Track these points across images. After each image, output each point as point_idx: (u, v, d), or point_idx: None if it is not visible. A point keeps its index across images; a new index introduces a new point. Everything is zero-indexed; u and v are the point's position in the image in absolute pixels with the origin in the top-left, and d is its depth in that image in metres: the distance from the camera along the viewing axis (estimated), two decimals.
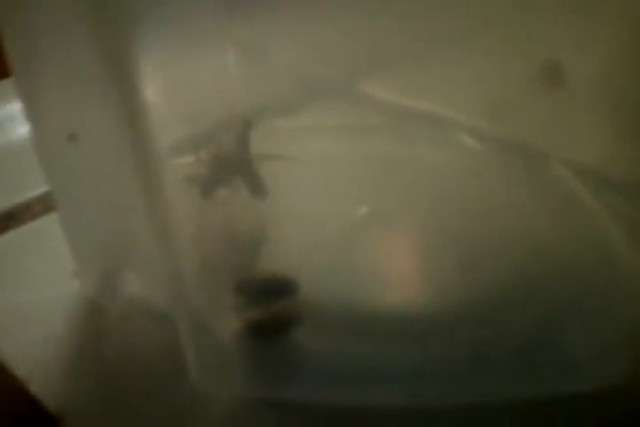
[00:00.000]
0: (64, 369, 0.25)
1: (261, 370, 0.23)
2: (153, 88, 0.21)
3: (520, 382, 0.23)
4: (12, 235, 0.31)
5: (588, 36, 0.21)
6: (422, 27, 0.26)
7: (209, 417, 0.23)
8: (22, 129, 0.38)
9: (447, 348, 0.23)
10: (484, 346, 0.23)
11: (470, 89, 0.27)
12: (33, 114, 0.24)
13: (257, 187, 0.25)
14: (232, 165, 0.25)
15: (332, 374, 0.23)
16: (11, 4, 0.22)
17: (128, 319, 0.26)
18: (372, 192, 0.28)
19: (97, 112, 0.22)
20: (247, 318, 0.24)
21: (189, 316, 0.23)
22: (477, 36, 0.24)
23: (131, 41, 0.20)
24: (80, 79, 0.22)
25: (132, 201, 0.24)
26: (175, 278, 0.23)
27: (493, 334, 0.23)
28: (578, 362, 0.23)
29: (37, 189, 0.33)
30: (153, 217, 0.23)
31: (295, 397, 0.23)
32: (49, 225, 0.32)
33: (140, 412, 0.23)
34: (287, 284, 0.24)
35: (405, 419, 0.22)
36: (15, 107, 0.39)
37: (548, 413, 0.23)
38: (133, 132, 0.21)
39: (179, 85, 0.23)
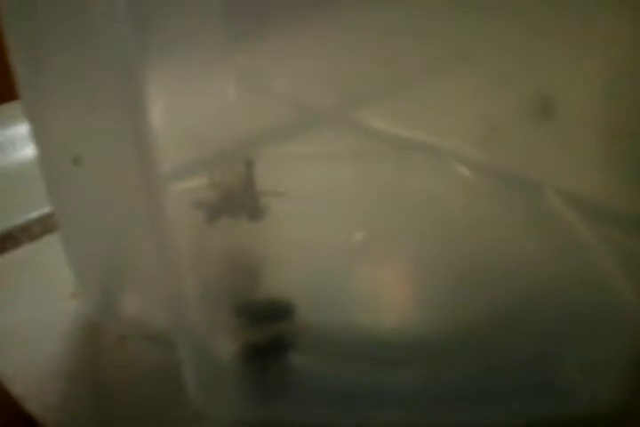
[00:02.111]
0: (61, 388, 0.25)
1: (259, 391, 0.24)
2: (156, 113, 0.22)
3: (514, 407, 0.23)
4: (10, 256, 0.32)
5: (578, 69, 0.22)
6: (419, 57, 0.26)
7: None
8: (24, 152, 0.38)
9: (441, 372, 0.24)
10: (478, 371, 0.24)
11: (465, 119, 0.27)
12: (39, 136, 0.25)
13: (257, 214, 0.26)
14: (237, 197, 0.26)
15: (326, 395, 0.23)
16: (23, 28, 0.23)
17: (126, 340, 0.26)
18: (368, 218, 0.28)
19: (102, 136, 0.23)
20: (245, 341, 0.24)
21: (188, 337, 0.24)
22: (472, 66, 0.25)
23: (139, 66, 0.21)
24: (87, 103, 0.22)
25: (134, 223, 0.24)
26: (175, 300, 0.24)
27: (488, 360, 0.24)
28: (572, 387, 0.23)
29: (37, 211, 0.34)
30: (155, 239, 0.23)
31: (291, 418, 0.23)
32: (47, 246, 0.32)
33: None
34: (284, 307, 0.24)
35: None
36: (17, 130, 0.40)
37: None
38: (139, 155, 0.22)
39: (181, 111, 0.24)
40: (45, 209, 0.34)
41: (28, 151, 0.38)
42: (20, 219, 0.33)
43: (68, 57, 0.23)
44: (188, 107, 0.24)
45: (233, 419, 0.24)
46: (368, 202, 0.29)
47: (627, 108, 0.22)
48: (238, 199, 0.25)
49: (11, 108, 0.42)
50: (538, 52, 0.22)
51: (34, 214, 0.34)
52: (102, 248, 0.26)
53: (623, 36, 0.21)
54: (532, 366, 0.24)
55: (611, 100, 0.22)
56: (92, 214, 0.25)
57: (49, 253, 0.31)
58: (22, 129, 0.40)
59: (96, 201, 0.25)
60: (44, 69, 0.23)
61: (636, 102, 0.21)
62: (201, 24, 0.22)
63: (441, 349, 0.24)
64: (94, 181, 0.24)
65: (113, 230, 0.25)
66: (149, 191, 0.23)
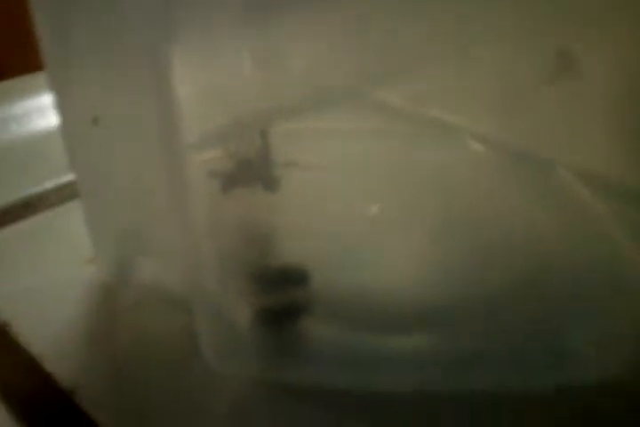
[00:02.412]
0: (77, 349, 0.25)
1: (272, 354, 0.24)
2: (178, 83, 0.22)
3: (523, 374, 0.24)
4: (28, 223, 0.32)
5: (601, 34, 0.22)
6: (434, 33, 0.27)
7: (221, 397, 0.24)
8: (39, 123, 0.39)
9: (453, 339, 0.24)
10: (489, 338, 0.24)
11: (478, 94, 0.28)
12: (60, 97, 0.25)
13: (272, 184, 0.26)
14: (252, 167, 0.26)
15: (337, 359, 0.24)
16: None
17: (142, 304, 0.26)
18: (382, 192, 0.29)
19: (123, 97, 0.23)
20: (259, 306, 0.25)
21: (204, 301, 0.24)
22: (488, 42, 0.25)
23: (165, 33, 0.21)
24: (110, 64, 0.23)
25: (153, 187, 0.25)
26: (193, 266, 0.24)
27: (498, 327, 0.24)
28: (580, 354, 0.24)
29: (53, 180, 0.34)
30: (174, 205, 0.24)
31: (304, 379, 0.23)
32: (64, 214, 0.32)
33: (153, 391, 0.24)
34: (299, 274, 0.25)
35: (411, 407, 0.23)
36: (33, 102, 0.40)
37: (552, 404, 0.23)
38: (162, 121, 0.22)
39: (201, 84, 0.24)
40: (61, 179, 0.34)
41: (44, 123, 0.39)
42: (36, 188, 0.34)
43: (92, 22, 0.23)
44: (206, 79, 0.24)
45: (247, 378, 0.24)
46: (382, 176, 0.29)
47: None
48: (253, 169, 0.26)
49: (25, 80, 0.43)
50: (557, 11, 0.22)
51: (50, 184, 0.34)
52: (121, 213, 0.26)
53: None
54: (543, 336, 0.24)
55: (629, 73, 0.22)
56: (111, 178, 0.25)
57: (65, 221, 0.32)
58: (38, 101, 0.40)
59: (115, 164, 0.25)
60: (68, 34, 0.23)
61: None
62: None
63: (453, 317, 0.24)
64: (113, 144, 0.25)
65: (132, 195, 0.25)
66: (170, 158, 0.23)
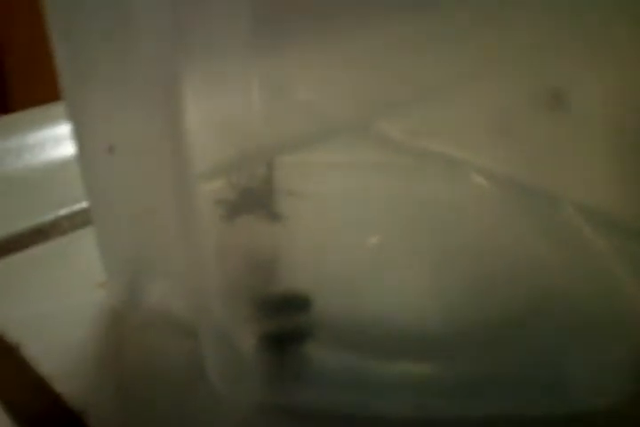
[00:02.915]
0: (86, 371, 0.26)
1: (275, 378, 0.25)
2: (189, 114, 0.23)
3: (523, 401, 0.24)
4: (40, 249, 0.33)
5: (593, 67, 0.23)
6: (437, 72, 0.28)
7: (226, 420, 0.24)
8: (53, 153, 0.40)
9: (453, 365, 0.25)
10: (490, 365, 0.25)
11: (482, 129, 0.28)
12: (77, 126, 0.26)
13: (275, 214, 0.27)
14: (254, 196, 0.27)
15: (340, 383, 0.24)
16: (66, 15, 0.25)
17: (149, 328, 0.27)
18: (384, 224, 0.30)
19: (138, 127, 0.24)
20: (263, 331, 0.25)
21: (210, 326, 0.25)
22: (489, 75, 0.26)
23: (179, 62, 0.22)
24: (126, 94, 0.24)
25: (163, 215, 0.26)
26: (199, 291, 0.25)
27: (499, 355, 0.25)
28: (580, 382, 0.24)
29: (65, 208, 0.35)
30: (182, 232, 0.25)
31: (306, 403, 0.24)
32: (75, 241, 0.33)
33: (160, 412, 0.24)
34: (302, 301, 0.26)
35: None
36: (47, 132, 0.41)
37: None
38: (174, 149, 0.23)
39: (208, 115, 0.25)
40: (74, 207, 0.35)
41: (57, 153, 0.40)
42: (49, 216, 0.35)
43: (109, 54, 0.24)
44: (214, 112, 0.25)
45: (252, 402, 0.25)
46: (384, 208, 0.30)
47: None
48: (255, 198, 0.27)
49: (39, 112, 0.44)
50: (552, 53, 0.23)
51: (63, 211, 0.35)
52: (132, 239, 0.27)
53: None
54: (543, 364, 0.25)
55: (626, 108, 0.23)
56: (124, 206, 0.26)
57: (77, 247, 0.33)
58: (51, 132, 0.41)
59: (128, 193, 0.26)
60: (87, 64, 0.24)
61: None
62: (229, 30, 0.24)
63: (454, 344, 0.25)
64: (127, 173, 0.26)
65: (143, 223, 0.26)
66: (180, 187, 0.24)
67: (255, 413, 0.24)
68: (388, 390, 0.24)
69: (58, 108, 0.43)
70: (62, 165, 0.39)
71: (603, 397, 0.24)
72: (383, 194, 0.31)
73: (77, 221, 0.35)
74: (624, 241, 0.27)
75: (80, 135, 0.26)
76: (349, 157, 0.33)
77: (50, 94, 0.46)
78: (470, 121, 0.28)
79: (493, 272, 0.27)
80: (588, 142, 0.25)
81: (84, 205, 0.35)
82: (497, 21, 0.24)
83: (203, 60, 0.24)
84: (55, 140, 0.41)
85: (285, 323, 0.26)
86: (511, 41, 0.25)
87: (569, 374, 0.25)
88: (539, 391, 0.25)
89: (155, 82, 0.23)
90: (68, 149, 0.40)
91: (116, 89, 0.24)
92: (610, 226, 0.28)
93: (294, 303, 0.26)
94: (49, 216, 0.35)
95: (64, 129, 0.42)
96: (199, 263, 0.25)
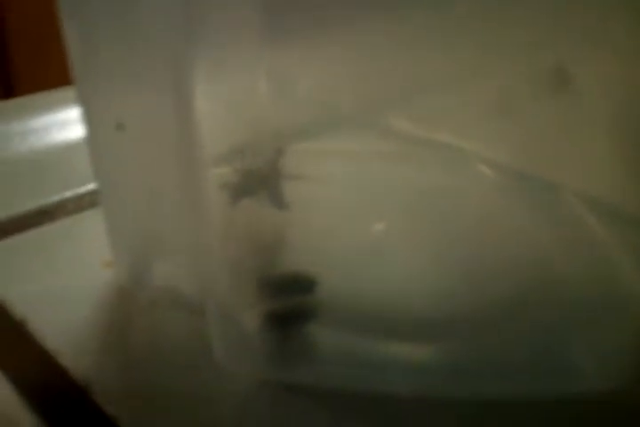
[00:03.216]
0: (92, 347, 0.26)
1: (279, 356, 0.25)
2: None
3: (524, 384, 0.25)
4: (46, 229, 0.33)
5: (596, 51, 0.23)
6: (441, 60, 0.28)
7: (230, 395, 0.24)
8: (59, 136, 0.40)
9: (455, 347, 0.25)
10: (491, 349, 0.25)
11: (485, 118, 0.29)
12: (87, 104, 0.26)
13: (280, 201, 0.27)
14: (260, 180, 0.27)
15: (342, 362, 0.25)
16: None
17: (156, 306, 0.27)
18: (387, 210, 0.30)
19: (147, 106, 0.25)
20: (268, 310, 0.26)
21: (217, 305, 0.25)
22: (491, 63, 0.26)
23: (191, 47, 0.23)
24: (136, 74, 0.24)
25: (170, 195, 0.26)
26: (206, 271, 0.25)
27: (499, 339, 0.25)
28: (582, 365, 0.25)
29: (71, 190, 0.36)
30: (189, 213, 0.25)
31: (308, 380, 0.25)
32: (81, 222, 0.34)
33: (164, 388, 0.25)
34: (306, 281, 0.26)
35: (413, 410, 0.24)
36: (53, 117, 0.42)
37: (552, 413, 0.24)
38: (184, 132, 0.24)
39: (216, 102, 0.25)
40: (79, 189, 0.36)
41: (62, 136, 0.40)
42: (55, 197, 0.35)
43: (120, 36, 0.24)
44: (222, 97, 0.26)
45: (256, 379, 0.25)
46: (388, 196, 0.30)
47: None
48: (260, 181, 0.27)
49: (45, 96, 0.45)
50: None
51: (68, 193, 0.35)
52: (139, 219, 0.27)
53: None
54: (545, 348, 0.25)
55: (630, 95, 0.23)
56: (131, 183, 0.27)
57: (83, 228, 0.33)
58: (56, 116, 0.42)
59: (136, 172, 0.26)
60: (97, 45, 0.25)
61: None
62: (240, 19, 0.24)
63: (456, 326, 0.25)
64: (136, 152, 0.26)
65: (150, 202, 0.27)
66: (190, 170, 0.24)
67: (259, 390, 0.25)
68: (388, 370, 0.25)
69: (63, 93, 0.44)
70: (67, 148, 0.39)
71: (603, 382, 0.25)
72: (387, 182, 0.32)
73: (83, 203, 0.35)
74: (626, 230, 0.27)
75: (89, 112, 0.26)
76: (354, 145, 0.34)
77: (54, 80, 0.47)
78: (473, 110, 0.29)
79: (495, 259, 0.28)
80: (591, 131, 0.26)
81: (89, 187, 0.36)
82: (498, 9, 0.25)
83: (212, 47, 0.24)
84: (60, 124, 0.41)
85: (290, 303, 0.26)
86: (513, 27, 0.25)
87: (569, 359, 0.25)
88: (539, 375, 0.25)
89: (166, 63, 0.23)
90: (72, 132, 0.41)
91: (126, 67, 0.24)
92: (612, 215, 0.28)
93: (299, 284, 0.26)
94: (54, 198, 0.35)
95: (69, 113, 0.42)
96: (206, 244, 0.25)
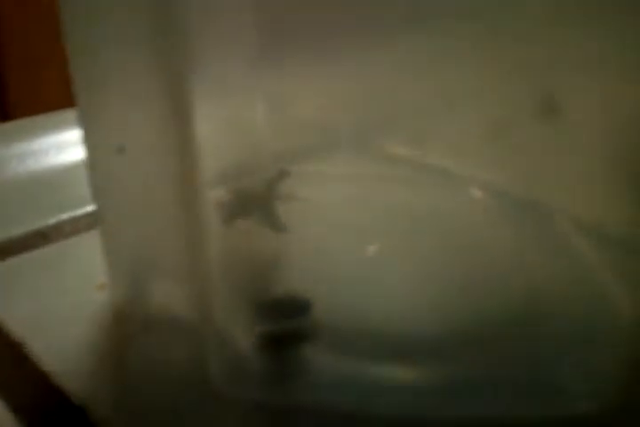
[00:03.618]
0: (89, 368, 0.26)
1: (276, 379, 0.25)
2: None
3: (513, 403, 0.25)
4: (43, 252, 0.33)
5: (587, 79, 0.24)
6: (435, 85, 0.28)
7: (226, 419, 0.25)
8: (57, 159, 0.41)
9: (448, 369, 0.25)
10: (483, 369, 0.25)
11: (479, 142, 0.29)
12: (88, 127, 0.27)
13: (274, 222, 0.28)
14: (255, 200, 0.28)
15: (337, 384, 0.25)
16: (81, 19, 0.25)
17: (151, 327, 0.28)
18: (382, 232, 0.30)
19: (147, 130, 0.25)
20: (264, 333, 0.26)
21: (212, 327, 0.25)
22: (487, 88, 0.27)
23: (190, 69, 0.23)
24: (137, 98, 0.25)
25: (168, 216, 0.26)
26: (201, 294, 0.26)
27: (491, 359, 0.25)
28: (568, 386, 0.25)
29: (68, 213, 0.36)
30: (186, 234, 0.25)
31: (305, 402, 0.25)
32: (77, 244, 0.34)
33: (160, 411, 0.25)
34: (301, 303, 0.26)
35: None
36: (51, 139, 0.42)
37: None
38: (183, 154, 0.24)
39: (213, 126, 0.26)
40: (76, 212, 0.36)
41: (60, 159, 0.41)
42: (52, 219, 0.35)
43: (121, 58, 0.25)
44: (220, 122, 0.26)
45: (251, 402, 0.25)
46: (383, 218, 0.31)
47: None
48: (255, 202, 0.27)
49: (43, 119, 0.45)
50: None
51: (65, 216, 0.36)
52: (137, 239, 0.27)
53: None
54: (533, 367, 0.25)
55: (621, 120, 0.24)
56: (130, 207, 0.27)
57: (79, 250, 0.33)
58: (55, 138, 0.42)
59: (134, 195, 0.27)
60: (99, 66, 0.25)
61: None
62: (235, 43, 0.25)
63: (449, 347, 0.26)
64: (134, 175, 0.26)
65: (149, 222, 0.27)
66: (187, 192, 0.25)
67: (254, 412, 0.25)
68: (385, 391, 0.25)
69: (61, 115, 0.44)
70: (65, 170, 0.40)
71: (592, 400, 0.25)
72: (382, 205, 0.32)
73: (79, 225, 0.35)
74: (615, 252, 0.28)
75: (90, 135, 0.26)
76: (349, 168, 0.34)
77: (49, 103, 0.47)
78: (468, 134, 0.29)
79: (488, 280, 0.28)
80: (583, 155, 0.26)
81: (86, 209, 0.36)
82: (492, 34, 0.25)
83: (211, 69, 0.24)
84: (58, 147, 0.42)
85: (285, 325, 0.26)
86: (509, 54, 0.25)
87: (556, 378, 0.25)
88: (526, 395, 0.25)
89: (165, 85, 0.23)
90: (70, 155, 0.41)
91: (127, 91, 0.25)
92: (602, 237, 0.29)
93: (294, 306, 0.26)
94: (51, 220, 0.35)
95: (67, 136, 0.42)
96: (202, 266, 0.26)
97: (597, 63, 0.23)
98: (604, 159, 0.26)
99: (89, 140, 0.27)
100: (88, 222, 0.35)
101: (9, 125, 0.45)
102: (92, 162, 0.27)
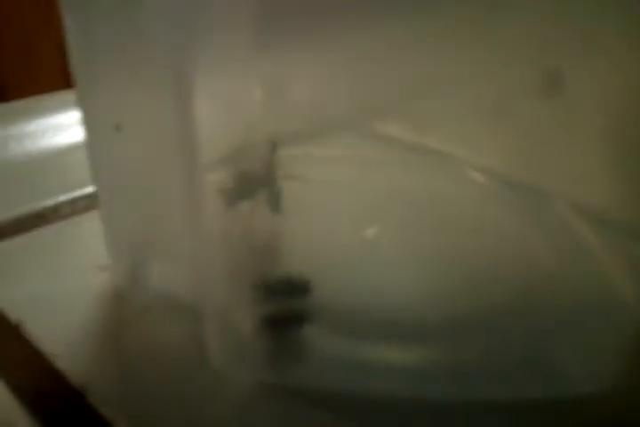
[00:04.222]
0: (89, 351, 0.26)
1: (275, 359, 0.25)
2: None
3: (514, 387, 0.25)
4: (41, 232, 0.33)
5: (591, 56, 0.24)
6: (432, 68, 0.28)
7: (226, 399, 0.25)
8: (55, 140, 0.40)
9: (448, 350, 0.25)
10: (483, 352, 0.25)
11: (478, 125, 0.29)
12: (86, 106, 0.26)
13: (276, 203, 0.27)
14: (256, 182, 0.27)
15: (338, 365, 0.25)
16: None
17: (151, 309, 0.28)
18: (380, 215, 0.30)
19: (146, 108, 0.25)
20: (264, 314, 0.26)
21: (212, 309, 0.25)
22: (485, 70, 0.27)
23: (189, 53, 0.23)
24: (136, 77, 0.24)
25: (168, 199, 0.26)
26: (201, 275, 0.25)
27: (492, 342, 0.25)
28: (570, 370, 0.25)
29: (66, 194, 0.36)
30: (186, 217, 0.25)
31: (304, 383, 0.25)
32: (76, 225, 0.34)
33: (161, 392, 0.25)
34: (301, 285, 0.26)
35: (409, 412, 0.24)
36: (49, 120, 0.42)
37: (542, 415, 0.24)
38: (182, 137, 0.24)
39: (212, 108, 0.25)
40: (75, 193, 0.36)
41: (58, 140, 0.41)
42: (50, 201, 0.35)
43: (121, 40, 0.25)
44: (217, 104, 0.26)
45: (252, 382, 0.25)
46: (381, 201, 0.31)
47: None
48: (256, 183, 0.27)
49: (40, 100, 0.45)
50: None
51: (63, 197, 0.36)
52: (136, 222, 0.27)
53: None
54: (533, 352, 0.25)
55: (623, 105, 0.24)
56: (130, 188, 0.27)
57: (77, 231, 0.33)
58: (52, 120, 0.42)
59: (134, 175, 0.26)
60: (97, 46, 0.25)
61: None
62: (234, 27, 0.24)
63: (448, 330, 0.26)
64: (134, 155, 0.26)
65: (148, 205, 0.27)
66: (188, 176, 0.24)
67: (255, 393, 0.25)
68: (384, 372, 0.25)
69: (58, 97, 0.44)
70: (62, 152, 0.40)
71: (592, 383, 0.25)
72: (381, 187, 0.32)
73: (78, 207, 0.35)
74: (614, 236, 0.28)
75: (89, 114, 0.26)
76: (348, 151, 0.34)
77: (44, 85, 0.47)
78: (467, 118, 0.29)
79: (486, 263, 0.28)
80: (583, 137, 0.26)
81: (84, 190, 0.36)
82: (491, 14, 0.25)
83: (209, 51, 0.24)
84: (55, 129, 0.41)
85: (286, 306, 0.26)
86: (506, 32, 0.25)
87: (558, 363, 0.25)
88: (528, 379, 0.25)
89: (165, 66, 0.23)
90: (67, 136, 0.41)
91: (126, 70, 0.25)
92: (600, 220, 0.29)
93: (294, 287, 0.26)
94: (50, 201, 0.35)
95: (64, 117, 0.42)
96: (202, 247, 0.25)
97: (599, 43, 0.23)
98: (606, 144, 0.26)
99: (87, 119, 0.26)
100: (86, 204, 0.35)
101: (6, 107, 0.45)
102: (91, 141, 0.27)
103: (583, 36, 0.23)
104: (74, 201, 0.35)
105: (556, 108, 0.25)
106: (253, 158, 0.28)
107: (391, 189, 0.32)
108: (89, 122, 0.26)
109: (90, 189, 0.35)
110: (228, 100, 0.26)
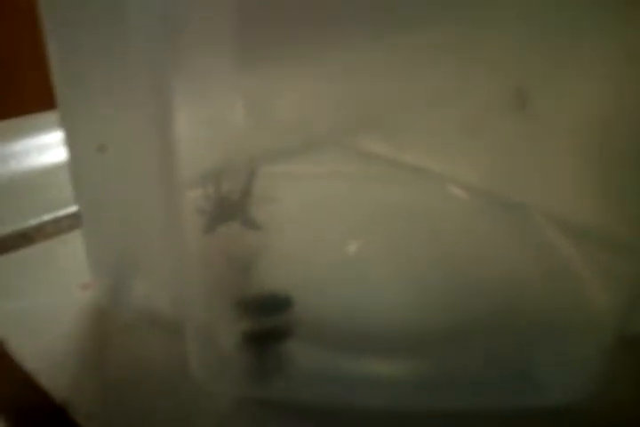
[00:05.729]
0: (71, 367, 0.27)
1: (258, 374, 0.25)
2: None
3: (492, 396, 0.25)
4: (25, 251, 0.34)
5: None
6: (414, 86, 0.29)
7: (209, 414, 0.25)
8: (38, 160, 0.41)
9: (427, 362, 0.26)
10: (462, 362, 0.26)
11: (457, 141, 0.30)
12: (68, 124, 0.27)
13: (254, 224, 0.28)
14: (233, 205, 0.28)
15: (319, 378, 0.25)
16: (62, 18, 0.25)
17: (134, 326, 0.28)
18: (362, 230, 0.31)
19: (127, 130, 0.25)
20: (245, 330, 0.26)
21: (194, 325, 0.25)
22: (464, 87, 0.27)
23: (172, 70, 0.23)
24: (119, 99, 0.25)
25: (149, 217, 0.26)
26: (183, 292, 0.26)
27: (470, 353, 0.26)
28: (546, 379, 0.25)
29: (50, 213, 0.36)
30: (167, 235, 0.25)
31: (286, 397, 0.25)
32: (60, 245, 0.34)
33: (144, 406, 0.25)
34: (282, 300, 0.26)
35: (389, 423, 0.25)
36: (32, 141, 0.42)
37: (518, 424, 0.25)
38: (163, 155, 0.24)
39: (194, 126, 0.26)
40: (58, 212, 0.36)
41: (42, 160, 0.41)
42: (34, 220, 0.36)
43: (104, 61, 0.25)
44: (199, 121, 0.26)
45: (234, 397, 0.25)
46: (363, 216, 0.31)
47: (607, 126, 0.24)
48: (233, 207, 0.28)
49: (25, 121, 0.45)
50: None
51: (47, 217, 0.36)
52: (119, 240, 0.28)
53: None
54: (511, 362, 0.26)
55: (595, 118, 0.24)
56: (112, 207, 0.27)
57: (61, 251, 0.33)
58: (36, 140, 0.42)
59: (116, 194, 0.27)
60: (80, 68, 0.25)
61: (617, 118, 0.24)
62: (217, 44, 0.25)
63: (426, 342, 0.26)
64: (116, 175, 0.26)
65: (130, 224, 0.27)
66: (168, 191, 0.25)
67: (237, 407, 0.25)
68: (365, 385, 0.25)
69: (42, 117, 0.44)
70: (46, 171, 0.40)
71: (566, 395, 0.25)
72: (363, 203, 0.32)
73: (61, 226, 0.35)
74: (591, 247, 0.28)
75: (71, 134, 0.27)
76: (331, 167, 0.34)
77: (29, 106, 0.47)
78: (446, 134, 0.30)
79: (465, 275, 0.29)
80: (554, 151, 0.27)
81: (68, 210, 0.36)
82: (463, 33, 0.26)
83: (191, 71, 0.25)
84: (40, 149, 0.42)
85: (267, 322, 0.26)
86: (478, 50, 0.26)
87: (534, 372, 0.26)
88: (505, 389, 0.26)
89: (147, 86, 0.23)
90: (52, 156, 0.41)
91: (109, 90, 0.25)
92: (577, 232, 0.29)
93: (275, 303, 0.26)
94: (34, 221, 0.36)
95: (48, 138, 0.42)
96: (184, 265, 0.26)
97: (568, 61, 0.23)
98: (575, 155, 0.26)
99: (70, 140, 0.27)
100: (70, 223, 0.35)
101: None
102: (74, 161, 0.27)
103: (554, 52, 0.24)
104: (58, 220, 0.36)
105: (527, 121, 0.26)
106: (233, 180, 0.28)
107: (373, 205, 0.32)
108: (71, 142, 0.27)
109: (73, 209, 0.35)
110: (211, 118, 0.26)
